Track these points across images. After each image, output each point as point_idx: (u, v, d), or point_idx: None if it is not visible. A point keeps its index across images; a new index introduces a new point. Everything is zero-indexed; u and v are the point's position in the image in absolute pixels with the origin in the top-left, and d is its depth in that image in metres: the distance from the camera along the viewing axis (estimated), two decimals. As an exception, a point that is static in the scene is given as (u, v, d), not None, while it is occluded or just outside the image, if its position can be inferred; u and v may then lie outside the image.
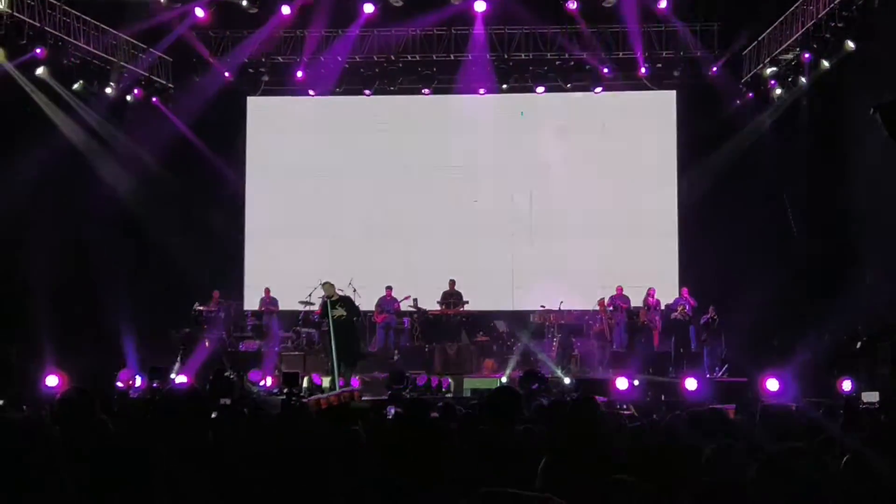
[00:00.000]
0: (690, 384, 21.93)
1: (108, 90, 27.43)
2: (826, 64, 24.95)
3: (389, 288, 28.81)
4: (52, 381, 20.34)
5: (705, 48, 28.98)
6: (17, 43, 23.66)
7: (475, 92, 30.60)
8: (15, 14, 23.35)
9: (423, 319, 29.02)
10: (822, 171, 25.54)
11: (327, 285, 25.26)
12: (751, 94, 28.42)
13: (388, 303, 28.53)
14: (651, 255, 30.08)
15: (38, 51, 24.28)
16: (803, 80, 26.09)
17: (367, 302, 28.25)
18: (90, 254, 26.35)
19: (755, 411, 8.62)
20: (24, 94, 24.89)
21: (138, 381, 21.30)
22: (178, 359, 25.57)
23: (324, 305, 25.01)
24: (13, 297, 24.76)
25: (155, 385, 20.30)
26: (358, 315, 25.97)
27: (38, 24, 24.22)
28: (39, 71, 25.01)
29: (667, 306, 27.94)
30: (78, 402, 7.28)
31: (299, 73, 29.97)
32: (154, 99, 29.26)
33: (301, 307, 28.26)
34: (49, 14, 24.71)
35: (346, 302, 25.20)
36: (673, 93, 30.45)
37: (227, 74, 29.64)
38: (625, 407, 17.52)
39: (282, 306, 29.36)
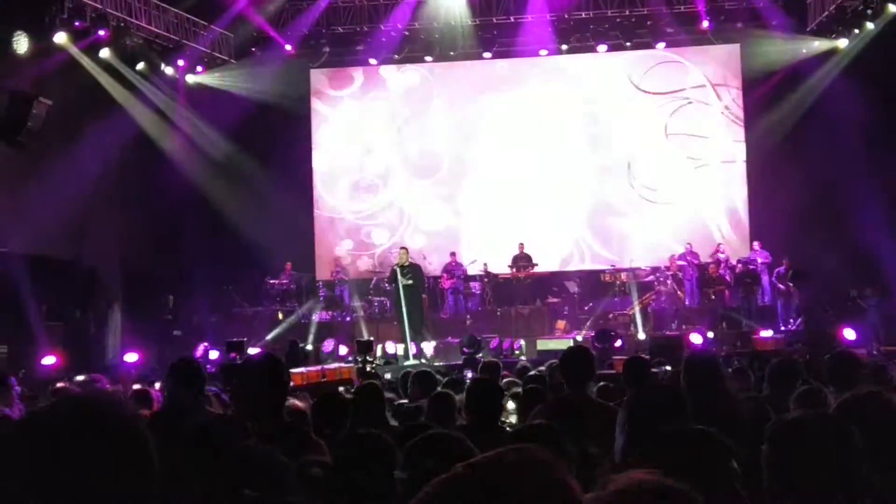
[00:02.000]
0: (765, 334, 21.98)
1: (168, 70, 27.60)
2: (893, 8, 24.61)
3: (454, 253, 28.89)
4: (130, 357, 20.64)
5: (769, -2, 28.64)
6: (80, 25, 23.82)
7: (536, 54, 30.45)
8: (77, -4, 23.55)
9: (493, 283, 29.03)
10: (891, 117, 25.22)
11: (402, 252, 25.45)
12: (816, 43, 28.04)
13: (454, 267, 28.57)
14: (721, 210, 29.91)
15: (100, 32, 24.42)
16: (870, 25, 25.76)
17: (433, 267, 28.47)
18: (161, 231, 26.66)
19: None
20: (90, 77, 25.09)
21: (214, 355, 21.51)
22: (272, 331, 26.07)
23: (393, 272, 25.18)
24: (87, 274, 25.15)
25: (232, 357, 20.48)
26: (423, 285, 26.15)
27: (100, 6, 24.40)
28: (103, 53, 25.18)
29: (738, 260, 27.75)
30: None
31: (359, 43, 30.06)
32: (217, 75, 29.42)
33: (372, 276, 28.50)
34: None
35: (415, 271, 25.36)
36: (737, 46, 30.07)
37: (288, 47, 29.67)
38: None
39: (353, 275, 29.53)
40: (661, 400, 5.00)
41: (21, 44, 22.65)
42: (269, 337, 25.54)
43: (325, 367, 19.50)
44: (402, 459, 3.91)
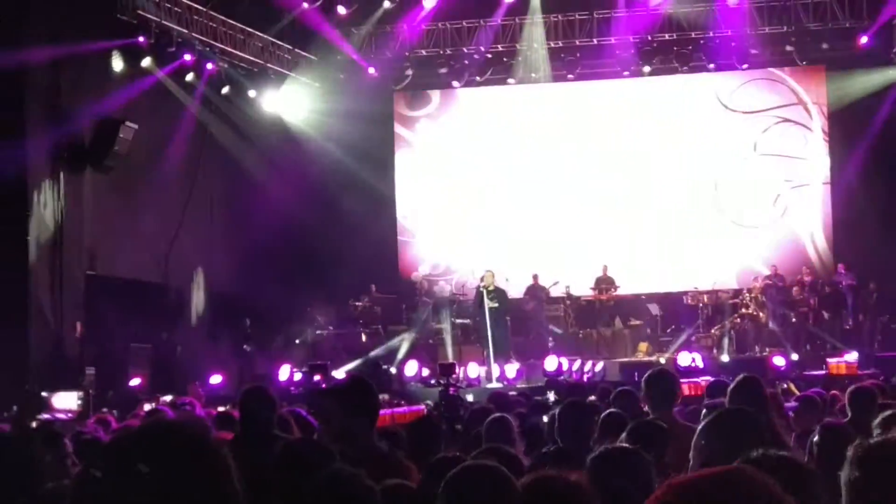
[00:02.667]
0: (851, 358, 21.69)
1: (252, 93, 27.83)
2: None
3: (536, 276, 28.74)
4: (215, 379, 20.84)
5: (854, 19, 28.31)
6: (166, 50, 24.13)
7: (619, 76, 30.39)
8: (163, 21, 23.86)
9: (575, 306, 28.94)
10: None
11: (489, 274, 25.45)
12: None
13: (537, 290, 28.50)
14: (806, 232, 29.61)
15: (186, 57, 24.69)
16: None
17: (515, 290, 28.33)
18: (246, 253, 26.89)
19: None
20: (175, 101, 25.41)
21: (298, 376, 21.60)
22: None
23: (479, 295, 25.18)
24: (174, 297, 25.50)
25: (317, 380, 20.54)
26: (507, 309, 26.11)
27: (186, 31, 24.73)
28: (189, 77, 25.47)
29: (823, 283, 27.50)
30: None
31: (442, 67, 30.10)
32: (301, 98, 29.62)
33: (455, 298, 28.52)
34: (196, 20, 25.21)
35: (500, 294, 25.37)
36: (822, 67, 29.78)
37: (371, 70, 29.83)
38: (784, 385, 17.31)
39: (434, 298, 29.53)
40: (739, 424, 4.98)
41: (117, 64, 23.12)
42: (359, 361, 25.46)
43: (396, 409, 19.33)
44: (440, 491, 3.87)
